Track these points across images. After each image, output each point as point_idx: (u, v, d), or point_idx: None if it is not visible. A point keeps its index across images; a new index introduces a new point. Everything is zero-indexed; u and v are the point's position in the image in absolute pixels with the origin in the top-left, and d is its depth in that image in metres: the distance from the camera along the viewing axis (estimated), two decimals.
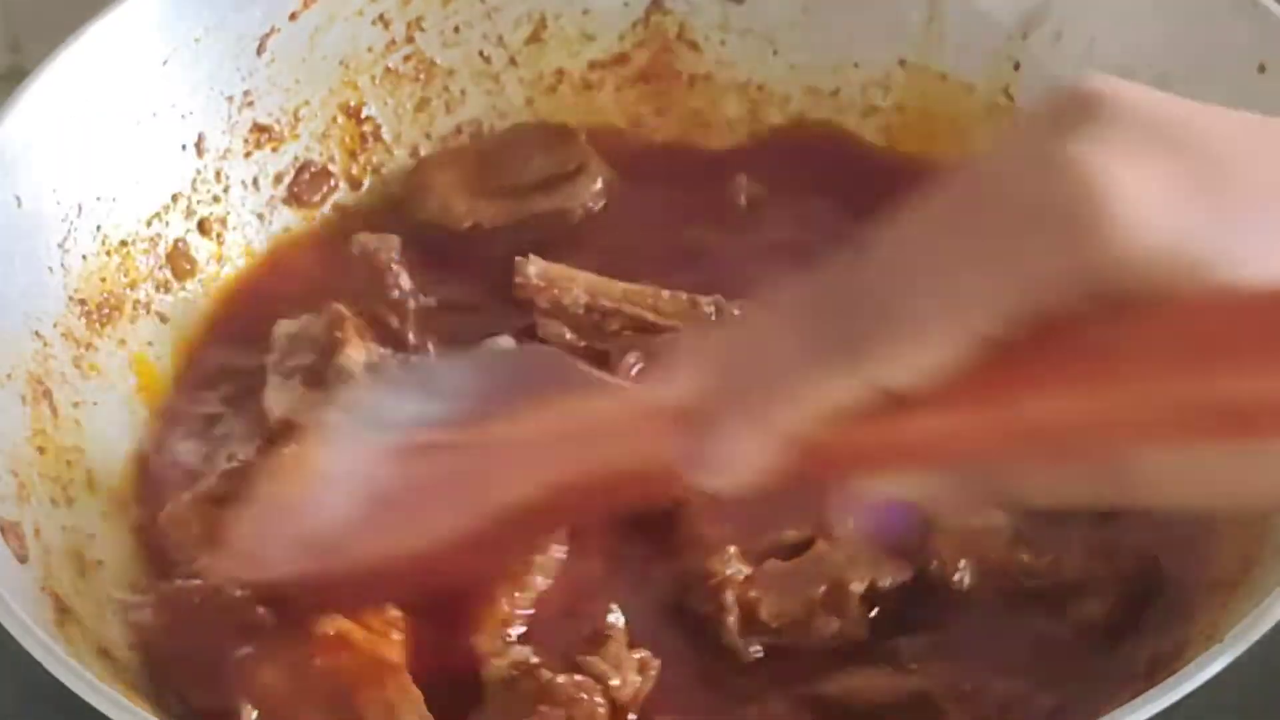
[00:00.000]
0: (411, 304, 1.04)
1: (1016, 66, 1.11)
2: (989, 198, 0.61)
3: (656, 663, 0.88)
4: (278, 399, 1.00)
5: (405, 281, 1.05)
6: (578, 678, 0.86)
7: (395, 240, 1.06)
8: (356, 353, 1.01)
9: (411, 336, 1.04)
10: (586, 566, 0.93)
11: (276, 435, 0.98)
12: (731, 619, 0.90)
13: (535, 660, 0.87)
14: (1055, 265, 0.59)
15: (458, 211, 1.12)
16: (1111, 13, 1.07)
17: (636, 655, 0.88)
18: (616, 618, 0.89)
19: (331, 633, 0.87)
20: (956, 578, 0.91)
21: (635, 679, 0.87)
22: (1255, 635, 0.80)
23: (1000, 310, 0.60)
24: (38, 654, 0.82)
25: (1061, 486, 0.65)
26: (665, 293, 1.04)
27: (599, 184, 1.13)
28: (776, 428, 0.64)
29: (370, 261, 1.05)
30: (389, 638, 0.89)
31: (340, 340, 1.01)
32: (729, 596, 0.90)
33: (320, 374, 1.00)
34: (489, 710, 0.87)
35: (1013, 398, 0.62)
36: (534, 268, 1.04)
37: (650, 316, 1.03)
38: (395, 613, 0.89)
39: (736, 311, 1.03)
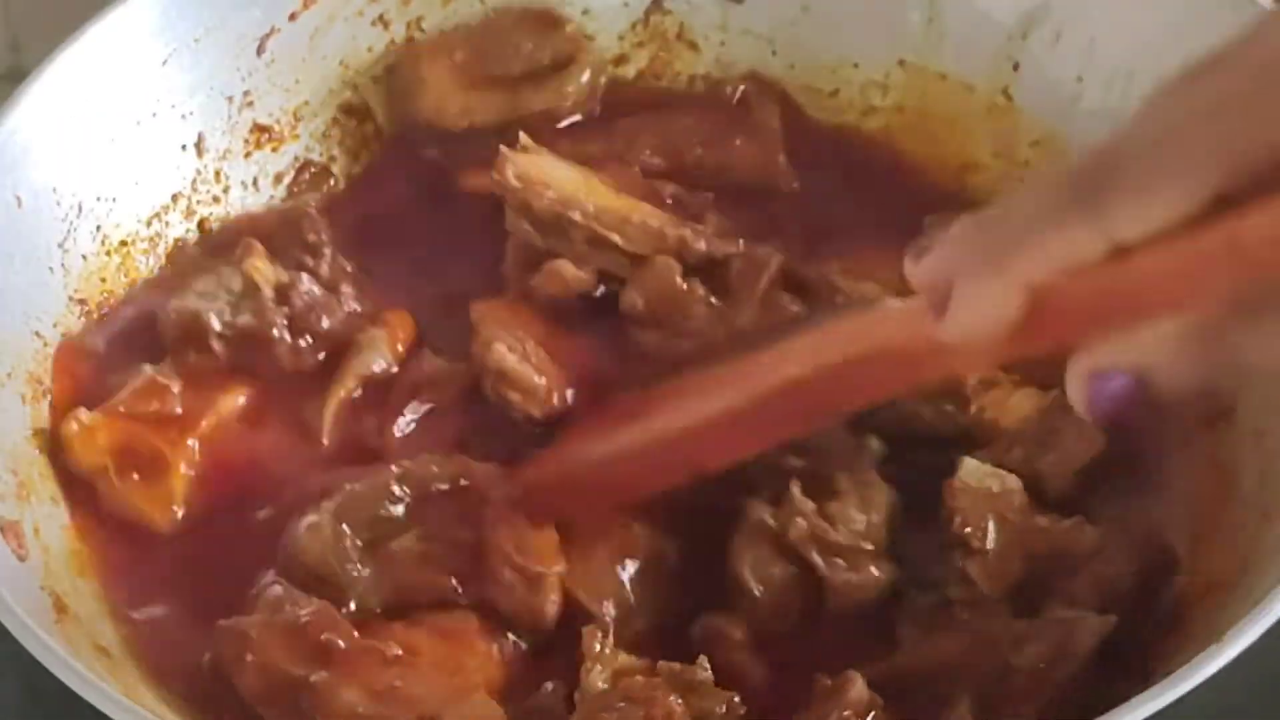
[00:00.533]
0: (328, 247, 1.05)
1: (1016, 67, 1.11)
2: (1227, 63, 0.67)
3: (742, 709, 0.88)
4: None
5: (321, 226, 1.05)
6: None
7: (313, 198, 1.07)
8: (263, 264, 1.02)
9: (326, 269, 1.04)
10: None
11: (178, 343, 1.00)
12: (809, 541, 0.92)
13: (639, 664, 0.88)
14: None
15: (452, 110, 1.11)
16: (1111, 13, 1.07)
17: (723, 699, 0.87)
18: (705, 672, 0.87)
19: (396, 652, 0.88)
20: (978, 541, 0.92)
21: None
22: (1253, 636, 0.80)
23: (1232, 162, 0.65)
24: (37, 652, 0.82)
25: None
26: (635, 217, 1.03)
27: (587, 75, 1.13)
28: (1018, 276, 0.70)
29: (290, 212, 1.06)
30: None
31: (250, 248, 1.02)
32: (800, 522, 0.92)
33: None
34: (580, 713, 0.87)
35: (1234, 236, 0.66)
36: (512, 168, 1.03)
37: (615, 239, 1.03)
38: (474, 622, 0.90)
39: (703, 245, 1.03)
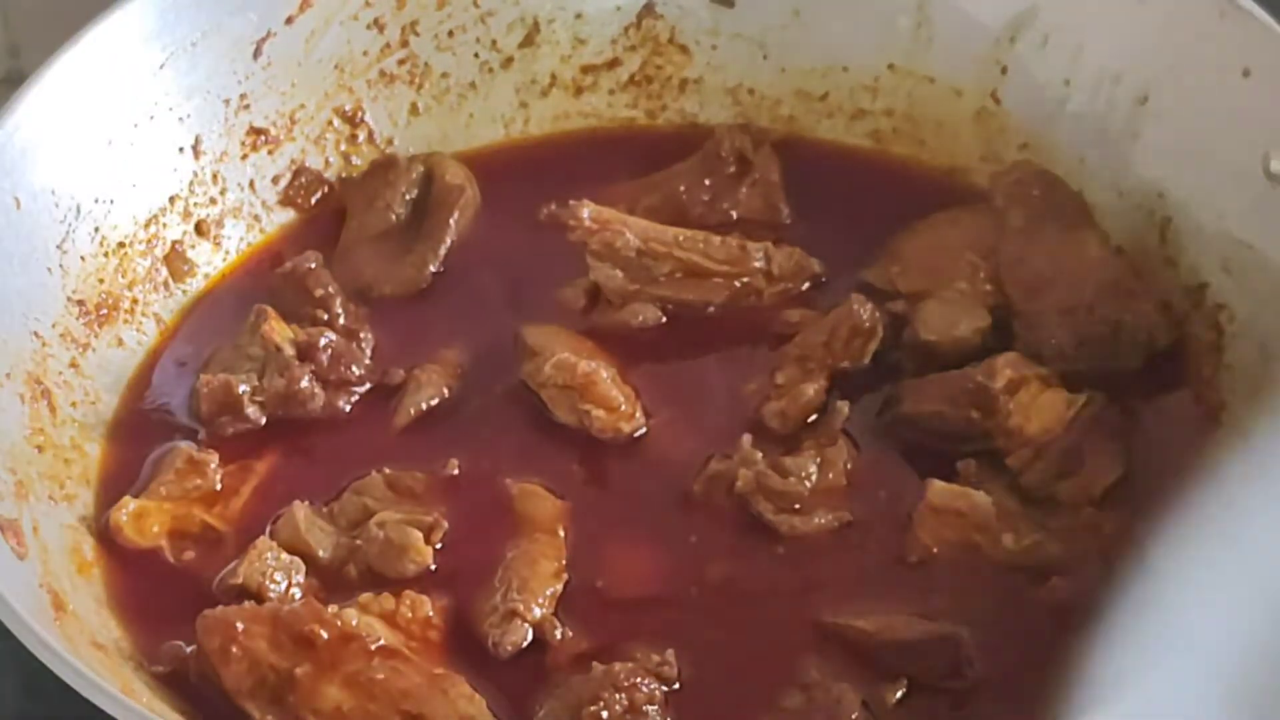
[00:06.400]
0: (338, 298, 1.06)
1: (1004, 71, 1.12)
2: None
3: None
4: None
5: (327, 279, 1.06)
6: (630, 665, 0.88)
7: (313, 254, 1.07)
8: (280, 326, 1.03)
9: (341, 318, 1.05)
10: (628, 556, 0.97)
11: (213, 415, 1.01)
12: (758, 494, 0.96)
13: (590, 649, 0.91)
14: None
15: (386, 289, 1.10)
16: (1098, 18, 1.08)
17: None
18: (671, 667, 0.90)
19: (378, 643, 0.89)
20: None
21: None
22: None
23: None
24: (36, 649, 0.83)
25: None
26: (716, 239, 1.06)
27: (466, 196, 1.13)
28: None
29: (294, 272, 1.07)
30: (428, 639, 0.91)
31: (263, 314, 1.03)
32: (749, 474, 0.96)
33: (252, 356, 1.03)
34: (556, 699, 0.89)
35: None
36: (588, 210, 1.05)
37: (701, 261, 1.05)
38: (428, 612, 0.92)
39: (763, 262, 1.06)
